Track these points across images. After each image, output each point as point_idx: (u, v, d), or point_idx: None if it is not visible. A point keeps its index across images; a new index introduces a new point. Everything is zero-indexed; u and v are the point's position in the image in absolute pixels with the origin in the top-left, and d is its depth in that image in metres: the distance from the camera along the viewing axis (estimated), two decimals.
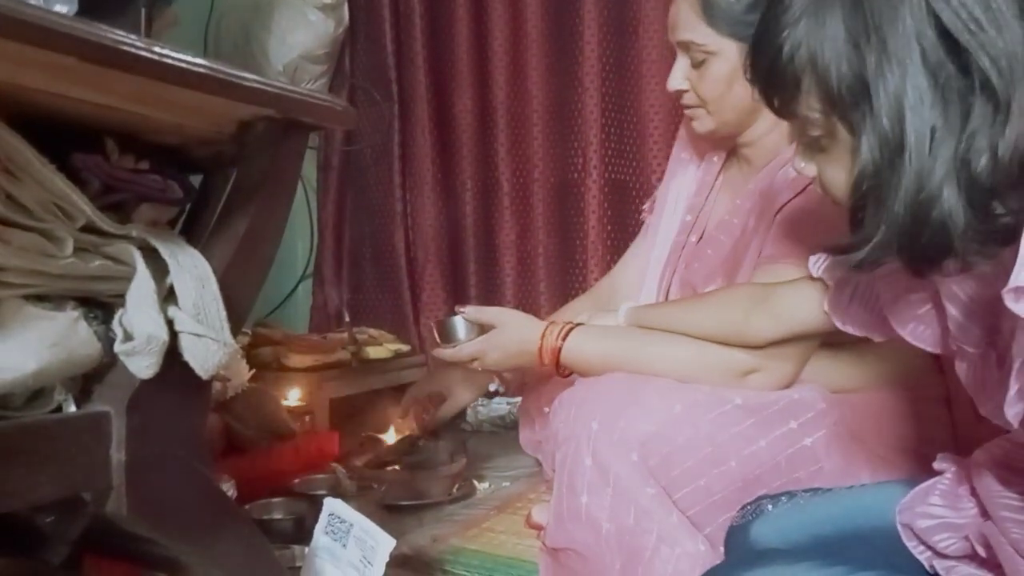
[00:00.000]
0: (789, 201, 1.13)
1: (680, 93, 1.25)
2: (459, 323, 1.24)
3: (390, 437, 1.71)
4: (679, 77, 1.23)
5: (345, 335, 2.09)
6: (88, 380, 0.79)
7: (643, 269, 1.39)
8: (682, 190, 1.38)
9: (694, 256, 1.30)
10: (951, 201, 0.58)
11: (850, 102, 0.62)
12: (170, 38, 1.24)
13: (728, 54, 1.17)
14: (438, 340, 1.27)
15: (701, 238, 1.31)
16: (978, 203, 0.58)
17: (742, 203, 1.24)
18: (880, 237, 0.62)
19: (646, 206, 1.50)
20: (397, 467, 1.58)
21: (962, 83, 0.58)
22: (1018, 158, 0.56)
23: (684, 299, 1.26)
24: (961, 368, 0.70)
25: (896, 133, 0.59)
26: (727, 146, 1.33)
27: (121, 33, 0.68)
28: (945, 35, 0.58)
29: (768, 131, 1.23)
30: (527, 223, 2.25)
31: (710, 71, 1.19)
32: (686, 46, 1.21)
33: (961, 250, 0.60)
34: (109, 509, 0.78)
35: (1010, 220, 0.58)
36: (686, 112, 1.28)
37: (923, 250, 0.61)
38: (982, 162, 0.57)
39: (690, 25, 1.18)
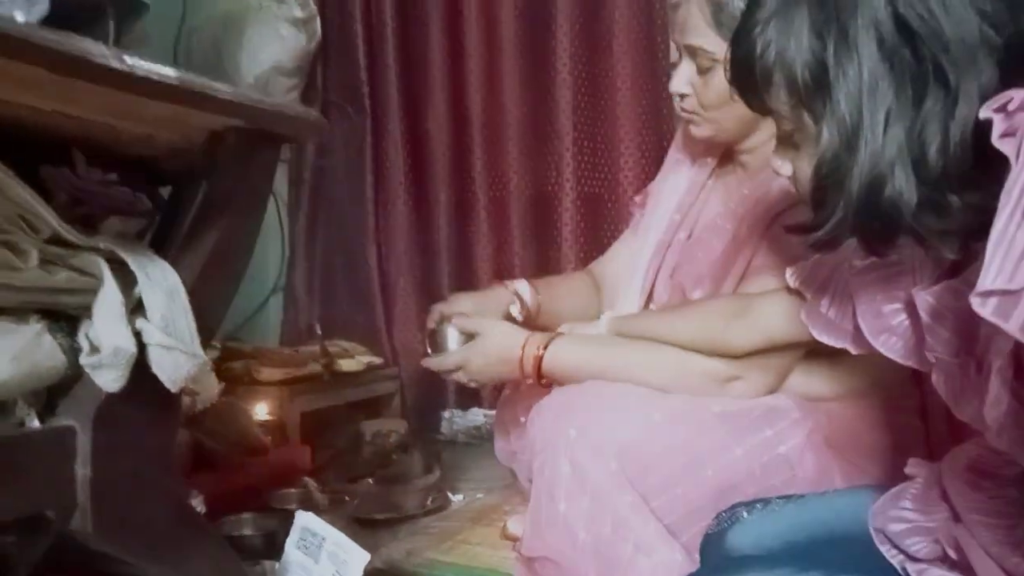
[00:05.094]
0: (783, 211, 1.12)
1: (681, 96, 1.21)
2: (450, 333, 1.24)
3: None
4: (683, 81, 1.20)
5: (317, 348, 2.07)
6: (53, 394, 0.77)
7: (630, 263, 1.37)
8: (675, 189, 1.36)
9: (684, 257, 1.30)
10: (901, 181, 0.61)
11: (813, 90, 0.65)
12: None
13: None
14: (429, 350, 1.26)
15: (690, 236, 1.31)
16: (931, 184, 0.61)
17: (735, 208, 1.23)
18: (838, 216, 0.65)
19: (637, 198, 1.47)
20: (370, 480, 1.56)
21: (916, 69, 0.61)
22: (966, 140, 0.59)
23: (665, 309, 1.26)
24: (938, 379, 0.70)
25: (853, 117, 0.62)
26: (722, 150, 1.32)
27: (90, 42, 0.67)
28: (901, 22, 0.61)
29: (767, 140, 1.22)
30: (503, 236, 2.25)
31: (716, 79, 1.15)
32: (693, 51, 1.17)
33: (915, 229, 0.62)
34: (74, 527, 0.76)
35: (969, 217, 0.60)
36: (684, 116, 1.26)
37: (877, 228, 0.64)
38: (934, 145, 0.60)
39: (699, 31, 1.15)
